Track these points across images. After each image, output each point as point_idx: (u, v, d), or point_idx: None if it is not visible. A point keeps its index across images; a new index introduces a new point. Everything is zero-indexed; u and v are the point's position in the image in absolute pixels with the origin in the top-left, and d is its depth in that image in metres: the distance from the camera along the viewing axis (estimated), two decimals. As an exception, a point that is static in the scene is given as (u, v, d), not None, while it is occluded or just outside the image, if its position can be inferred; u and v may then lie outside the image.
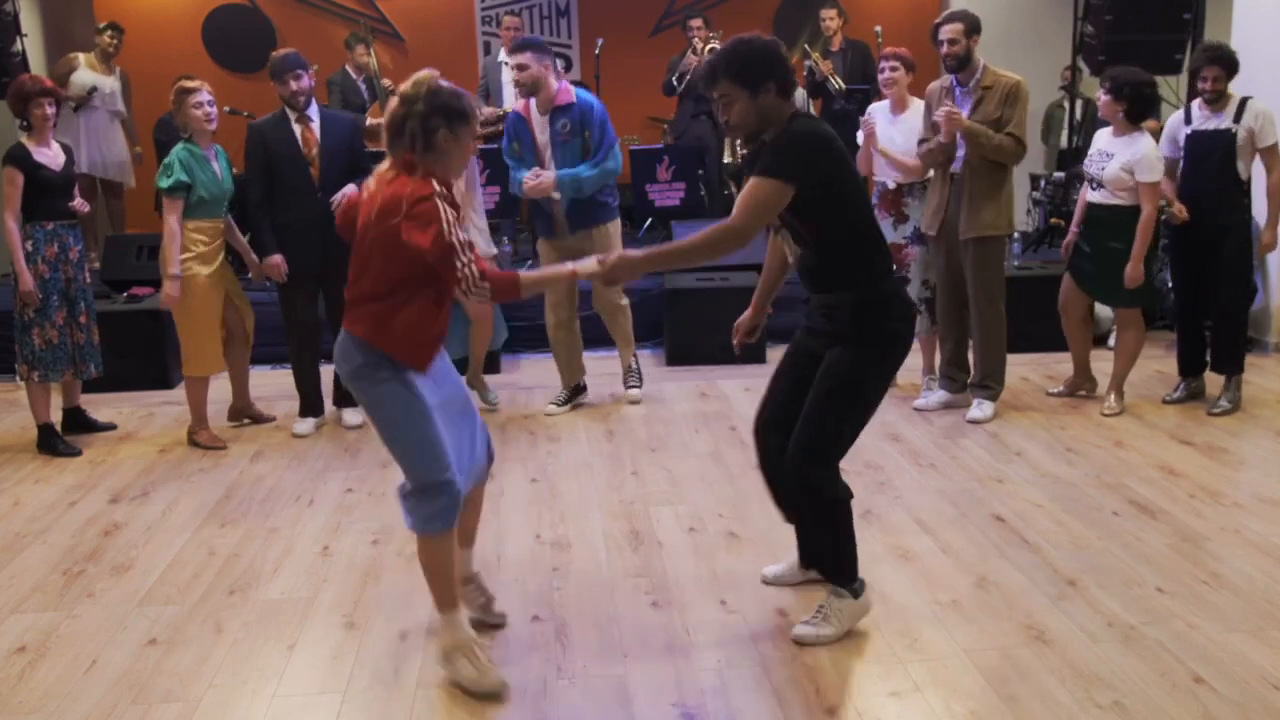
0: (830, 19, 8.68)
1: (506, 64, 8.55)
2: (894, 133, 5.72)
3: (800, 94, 9.10)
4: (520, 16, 9.23)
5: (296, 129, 5.32)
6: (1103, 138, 5.52)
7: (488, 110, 8.03)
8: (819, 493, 3.29)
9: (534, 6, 10.33)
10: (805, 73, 9.05)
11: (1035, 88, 9.59)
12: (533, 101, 5.50)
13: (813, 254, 3.28)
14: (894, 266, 3.75)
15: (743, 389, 6.17)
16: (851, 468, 4.83)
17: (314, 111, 5.36)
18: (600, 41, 8.34)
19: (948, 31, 5.31)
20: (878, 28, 8.74)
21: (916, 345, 5.94)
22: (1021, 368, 6.34)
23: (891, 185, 5.79)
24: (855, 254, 3.25)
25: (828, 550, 3.43)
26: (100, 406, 5.85)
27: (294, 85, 5.27)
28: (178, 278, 5.14)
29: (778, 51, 3.23)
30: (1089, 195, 5.53)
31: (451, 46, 10.11)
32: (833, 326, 3.28)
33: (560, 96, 5.43)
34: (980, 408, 5.51)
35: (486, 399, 5.92)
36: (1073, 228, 5.72)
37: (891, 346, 3.30)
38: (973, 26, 5.31)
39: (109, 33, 8.38)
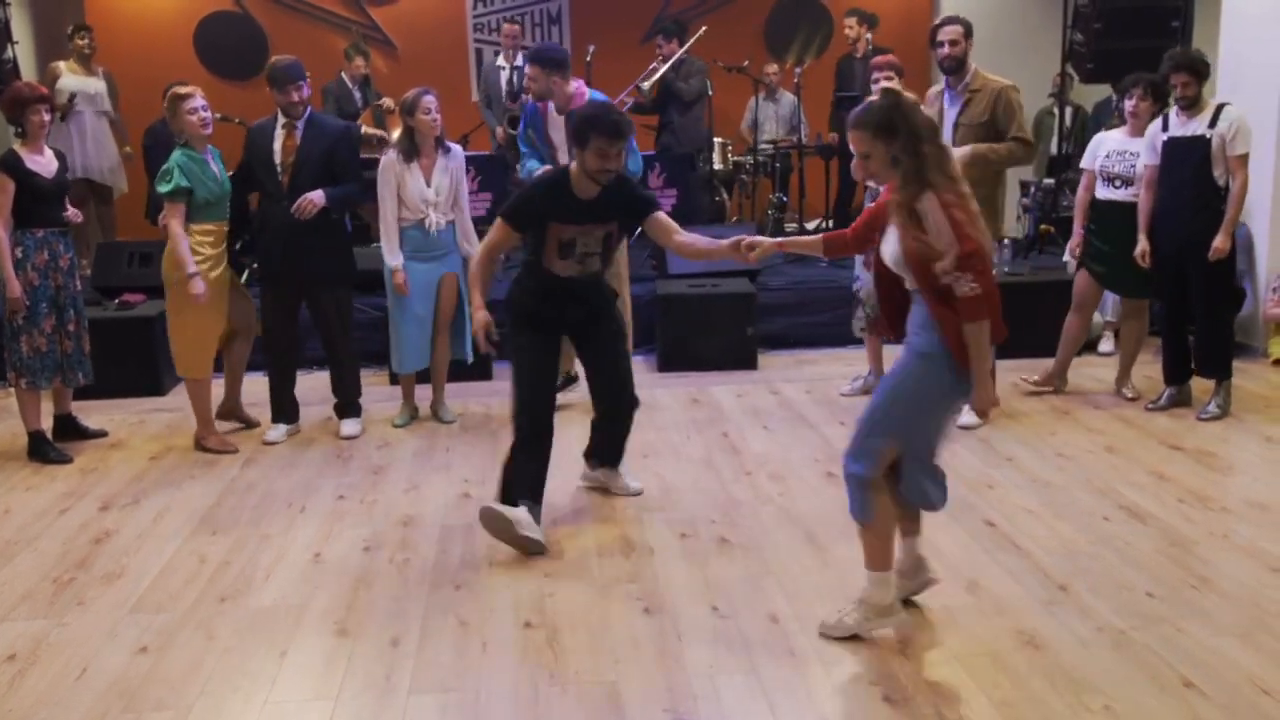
0: (850, 27, 8.74)
1: (503, 69, 8.61)
2: None
3: (790, 99, 9.15)
4: (519, 24, 9.25)
5: (280, 134, 5.32)
6: (1114, 139, 5.80)
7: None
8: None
9: (527, 13, 10.34)
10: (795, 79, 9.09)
11: (1026, 94, 9.64)
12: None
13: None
14: None
15: (735, 395, 6.18)
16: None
17: (304, 120, 5.36)
18: (592, 48, 8.35)
19: (948, 33, 5.41)
20: (868, 34, 8.78)
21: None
22: (1011, 374, 6.34)
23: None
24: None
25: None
26: (92, 413, 5.84)
27: (294, 95, 5.28)
28: (197, 274, 5.14)
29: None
30: (1107, 195, 5.73)
31: (444, 54, 10.13)
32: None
33: (576, 100, 5.53)
34: (971, 414, 5.53)
35: (441, 415, 5.85)
36: (1079, 228, 5.91)
37: None
38: (969, 30, 5.44)
39: (79, 34, 8.37)
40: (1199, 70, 5.41)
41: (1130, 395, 5.87)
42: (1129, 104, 5.71)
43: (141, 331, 6.47)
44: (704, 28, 8.59)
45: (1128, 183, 5.65)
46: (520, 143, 5.86)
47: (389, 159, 5.48)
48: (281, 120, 5.34)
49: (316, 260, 5.36)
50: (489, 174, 8.29)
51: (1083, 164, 5.95)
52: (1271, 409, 5.71)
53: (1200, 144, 5.39)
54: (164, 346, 6.34)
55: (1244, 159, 5.36)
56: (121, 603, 3.78)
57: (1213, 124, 5.38)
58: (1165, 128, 5.55)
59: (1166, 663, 3.20)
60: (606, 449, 4.64)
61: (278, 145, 5.31)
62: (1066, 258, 6.24)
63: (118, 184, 8.66)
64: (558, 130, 5.64)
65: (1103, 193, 5.77)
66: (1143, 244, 5.61)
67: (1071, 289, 6.00)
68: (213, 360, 5.37)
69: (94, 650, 3.44)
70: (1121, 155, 5.69)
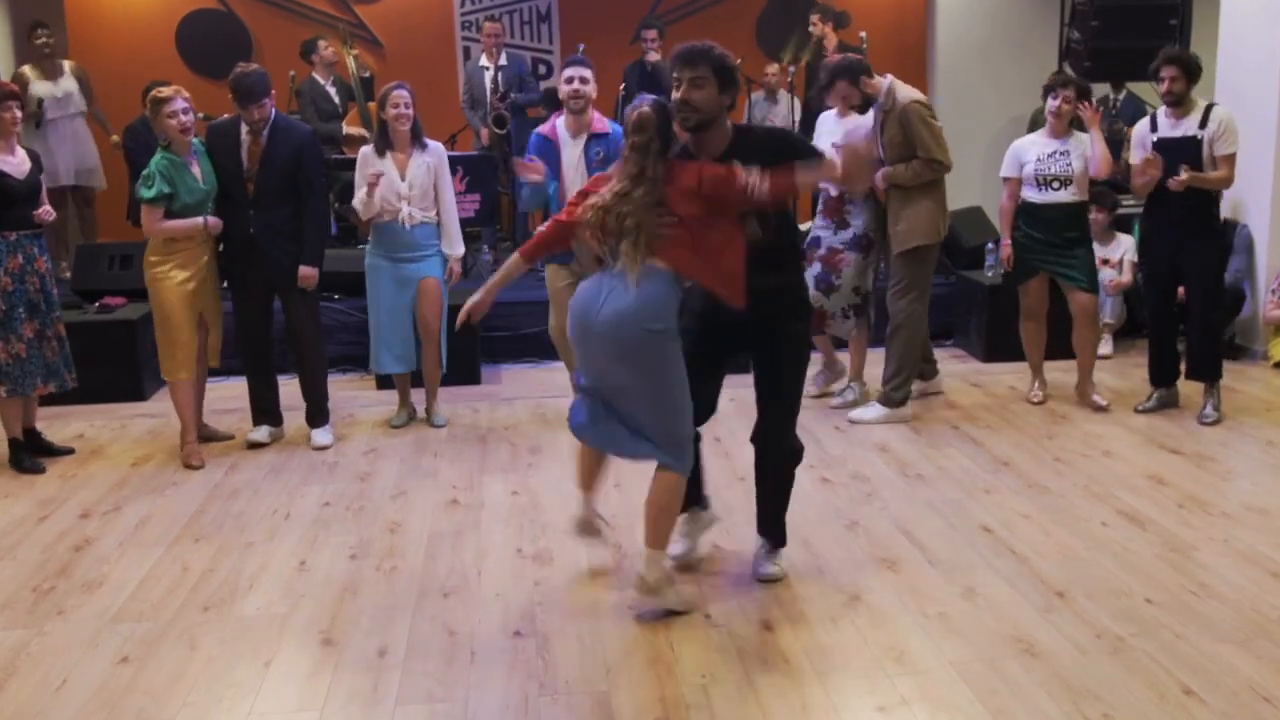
0: (814, 24, 8.64)
1: (487, 69, 8.52)
2: (840, 134, 5.66)
3: (785, 97, 9.09)
4: (501, 22, 9.16)
5: (245, 140, 5.22)
6: (1038, 143, 5.70)
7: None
8: (797, 457, 3.85)
9: (515, 11, 10.28)
10: (788, 78, 9.03)
11: (1021, 94, 9.63)
12: (558, 123, 5.36)
13: (773, 234, 3.60)
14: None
15: (728, 399, 6.07)
16: (838, 479, 4.83)
17: (269, 124, 5.23)
18: (581, 47, 8.29)
19: (838, 91, 5.57)
20: (862, 33, 8.73)
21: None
22: (1008, 376, 6.32)
23: (834, 192, 5.76)
24: (795, 235, 3.75)
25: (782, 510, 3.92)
26: (72, 419, 5.76)
27: (257, 114, 5.18)
28: (205, 220, 5.07)
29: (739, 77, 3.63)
30: (1047, 198, 5.61)
31: (431, 52, 10.04)
32: (779, 306, 3.64)
33: (595, 124, 5.33)
34: (870, 408, 5.62)
35: (434, 420, 5.79)
36: (1006, 239, 5.80)
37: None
38: (855, 76, 5.48)
39: (36, 32, 8.09)
40: (1190, 68, 5.39)
41: (1102, 403, 5.69)
42: (1053, 103, 5.58)
43: (122, 335, 6.37)
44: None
45: (1066, 182, 5.55)
46: (523, 184, 5.49)
47: (365, 151, 5.54)
48: (246, 128, 5.23)
49: (283, 261, 5.28)
50: (477, 174, 8.20)
51: (1003, 173, 5.76)
52: (1272, 412, 5.68)
53: (1192, 145, 5.39)
54: (146, 351, 6.27)
55: (1231, 158, 5.37)
56: (103, 612, 3.71)
57: (1203, 124, 5.39)
58: (1154, 128, 5.55)
59: (1165, 670, 3.16)
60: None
61: (244, 153, 5.21)
62: (997, 269, 6.22)
63: (97, 182, 8.45)
64: (572, 156, 5.33)
65: (1040, 196, 5.61)
66: (1156, 160, 5.37)
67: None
68: (184, 361, 5.16)
69: (75, 660, 3.38)
70: (1053, 157, 5.57)
